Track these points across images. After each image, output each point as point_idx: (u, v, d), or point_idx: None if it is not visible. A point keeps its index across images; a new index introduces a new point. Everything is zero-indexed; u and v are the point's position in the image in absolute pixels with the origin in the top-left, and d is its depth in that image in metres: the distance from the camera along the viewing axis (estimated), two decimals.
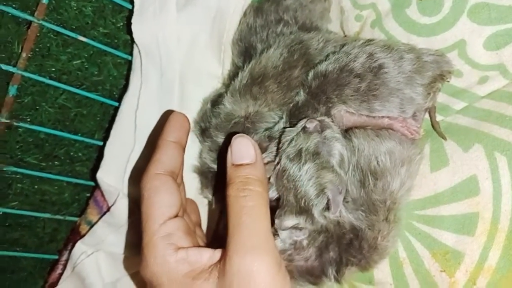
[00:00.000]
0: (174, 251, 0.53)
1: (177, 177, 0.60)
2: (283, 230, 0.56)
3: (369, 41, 0.63)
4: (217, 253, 0.53)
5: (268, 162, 0.61)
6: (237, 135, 0.55)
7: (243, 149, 0.54)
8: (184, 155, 0.66)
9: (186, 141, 0.63)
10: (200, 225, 0.73)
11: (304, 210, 0.56)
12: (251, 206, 0.50)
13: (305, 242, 0.57)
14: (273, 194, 0.58)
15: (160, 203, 0.55)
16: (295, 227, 0.56)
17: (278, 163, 0.58)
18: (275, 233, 0.56)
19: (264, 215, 0.51)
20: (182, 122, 0.63)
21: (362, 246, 0.57)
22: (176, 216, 0.56)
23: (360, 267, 0.58)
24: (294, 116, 0.63)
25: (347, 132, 0.61)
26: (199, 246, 0.55)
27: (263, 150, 0.61)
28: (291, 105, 0.65)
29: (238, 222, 0.50)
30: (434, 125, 0.63)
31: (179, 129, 0.62)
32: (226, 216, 0.52)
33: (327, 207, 0.56)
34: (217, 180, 0.70)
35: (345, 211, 0.57)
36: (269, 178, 0.59)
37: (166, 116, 0.65)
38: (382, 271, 0.61)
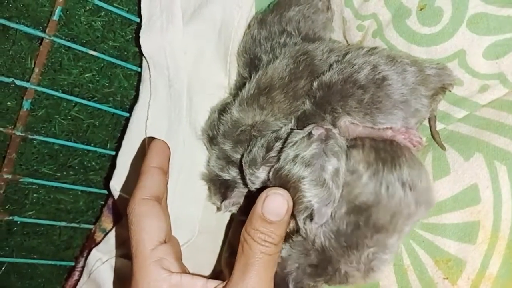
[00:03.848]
0: (168, 276, 0.54)
1: (161, 202, 0.60)
2: None
3: (372, 50, 0.64)
4: (211, 283, 0.55)
5: (271, 157, 0.62)
6: (274, 189, 0.53)
7: (275, 207, 0.52)
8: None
9: (168, 167, 0.64)
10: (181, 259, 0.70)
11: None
12: (268, 255, 0.52)
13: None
14: None
15: (150, 228, 0.56)
16: None
17: (277, 161, 0.60)
18: None
19: (274, 265, 0.54)
20: (163, 149, 0.64)
21: (327, 268, 0.58)
22: (165, 241, 0.57)
23: (325, 281, 0.59)
24: (302, 123, 0.64)
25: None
26: (192, 273, 0.56)
27: (270, 149, 0.63)
28: (299, 112, 0.66)
29: (250, 263, 0.52)
30: (434, 135, 0.63)
31: (161, 155, 0.63)
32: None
33: (310, 217, 0.57)
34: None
35: (322, 234, 0.58)
36: (268, 173, 0.61)
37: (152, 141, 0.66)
38: (387, 278, 0.62)
